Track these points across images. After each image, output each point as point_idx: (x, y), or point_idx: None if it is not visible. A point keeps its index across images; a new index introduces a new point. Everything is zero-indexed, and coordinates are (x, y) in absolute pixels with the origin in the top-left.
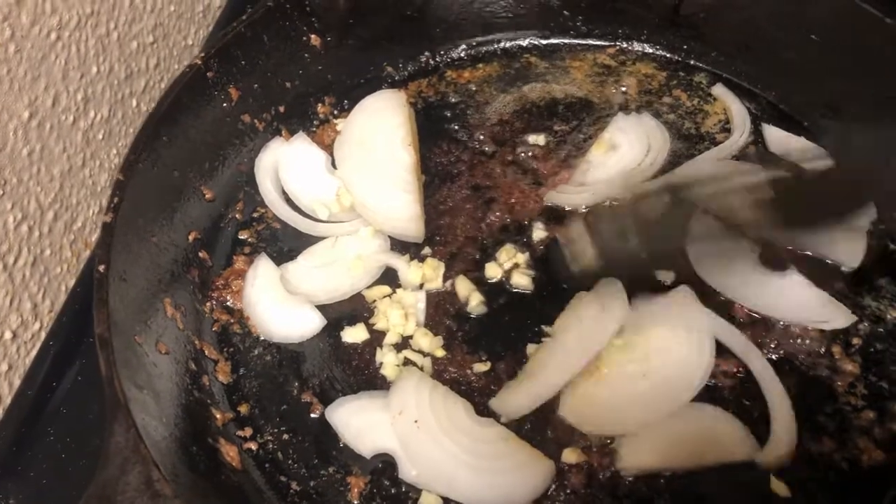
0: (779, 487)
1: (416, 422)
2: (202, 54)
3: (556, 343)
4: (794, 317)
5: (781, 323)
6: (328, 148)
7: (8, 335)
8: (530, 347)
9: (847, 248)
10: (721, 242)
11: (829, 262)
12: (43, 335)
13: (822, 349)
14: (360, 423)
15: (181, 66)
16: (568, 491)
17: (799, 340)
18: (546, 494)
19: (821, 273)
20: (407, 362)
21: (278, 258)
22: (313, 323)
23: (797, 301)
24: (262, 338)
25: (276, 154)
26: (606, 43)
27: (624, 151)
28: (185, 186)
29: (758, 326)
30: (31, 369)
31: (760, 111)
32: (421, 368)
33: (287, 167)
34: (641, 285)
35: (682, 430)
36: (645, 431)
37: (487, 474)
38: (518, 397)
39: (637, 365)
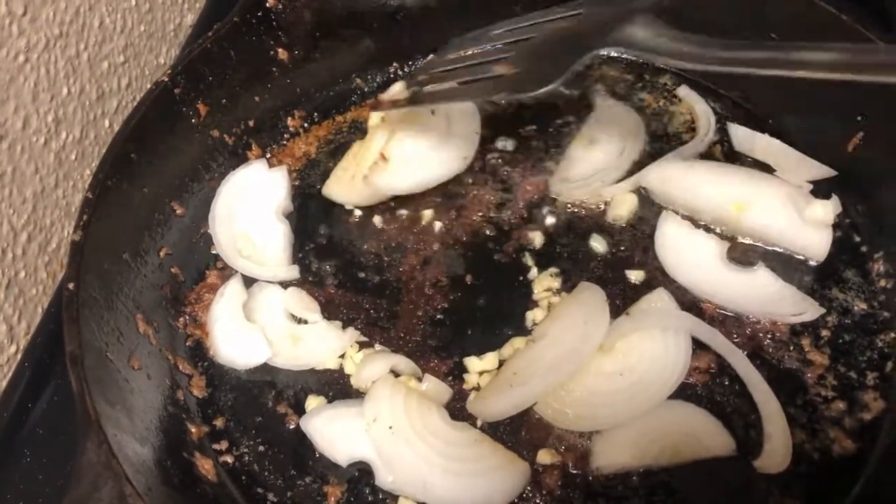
0: None
1: (390, 428)
2: (168, 71)
3: (539, 352)
4: (764, 312)
5: (751, 318)
6: (299, 161)
7: None
8: (506, 349)
9: (813, 243)
10: (689, 241)
11: (796, 256)
12: (19, 357)
13: (792, 342)
14: (335, 431)
15: None
16: (543, 492)
17: (768, 334)
18: (522, 496)
19: (788, 267)
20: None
21: (249, 279)
22: (260, 354)
23: (766, 296)
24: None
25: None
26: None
27: (602, 145)
28: (155, 203)
29: (728, 322)
30: (7, 391)
31: (725, 110)
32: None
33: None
34: (614, 286)
35: (656, 428)
36: (620, 429)
37: (463, 477)
38: (499, 402)
39: (614, 363)
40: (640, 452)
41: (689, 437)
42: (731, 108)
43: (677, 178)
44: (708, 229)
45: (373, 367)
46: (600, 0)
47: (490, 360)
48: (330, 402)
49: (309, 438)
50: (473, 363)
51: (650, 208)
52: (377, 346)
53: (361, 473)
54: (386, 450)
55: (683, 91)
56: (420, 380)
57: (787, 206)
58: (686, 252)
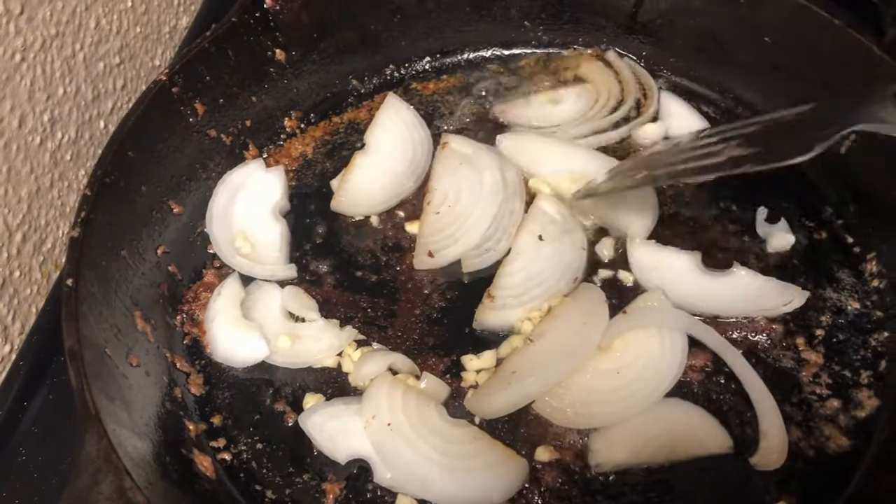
0: None
1: (388, 425)
2: (166, 70)
3: (537, 351)
4: (753, 310)
5: (744, 318)
6: (296, 161)
7: None
8: (504, 348)
9: (635, 221)
10: (662, 261)
11: (769, 251)
12: (13, 357)
13: (786, 341)
14: (333, 429)
15: None
16: (542, 489)
17: (763, 334)
18: (520, 493)
19: (762, 261)
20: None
21: (247, 278)
22: (257, 352)
23: (750, 294)
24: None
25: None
26: (567, 52)
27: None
28: (152, 201)
29: (722, 321)
30: (1, 390)
31: (719, 115)
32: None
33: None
34: (611, 286)
35: (653, 425)
36: (617, 427)
37: (461, 474)
38: (497, 400)
39: (612, 361)
40: (638, 450)
41: (685, 434)
42: (725, 112)
43: (528, 147)
44: (674, 245)
45: (371, 365)
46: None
47: (488, 358)
48: (328, 399)
49: (307, 436)
50: (471, 361)
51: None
52: (375, 345)
53: (360, 471)
54: (384, 447)
55: (612, 56)
56: (418, 378)
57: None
58: (663, 271)
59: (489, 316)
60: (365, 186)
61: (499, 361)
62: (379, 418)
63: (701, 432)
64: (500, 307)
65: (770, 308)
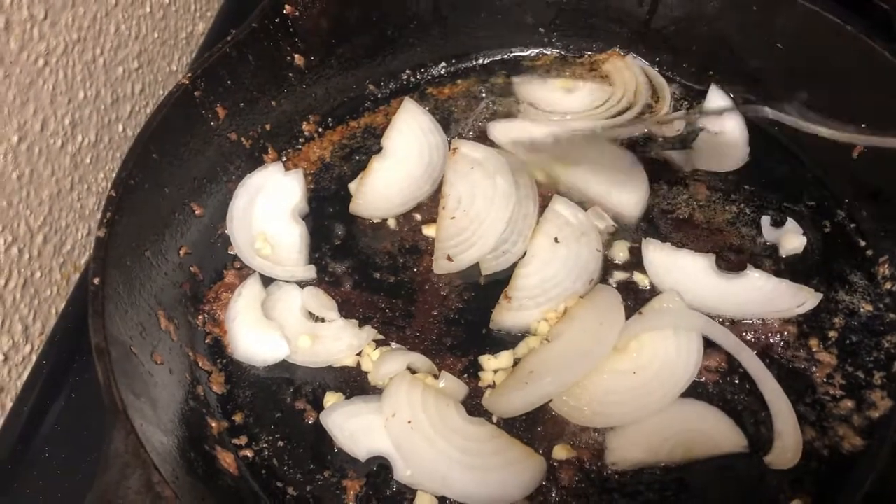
0: None
1: (409, 423)
2: (189, 74)
3: (554, 351)
4: (766, 311)
5: (758, 319)
6: (314, 164)
7: None
8: (521, 348)
9: (626, 202)
10: (676, 263)
11: (782, 254)
12: (34, 357)
13: (800, 343)
14: (354, 426)
15: (166, 91)
16: (559, 486)
17: (777, 335)
18: (538, 490)
19: (775, 263)
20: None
21: (267, 279)
22: (278, 351)
23: (764, 296)
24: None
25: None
26: (581, 57)
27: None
28: (175, 202)
29: (737, 322)
30: (24, 390)
31: None
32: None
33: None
34: (626, 287)
35: (669, 425)
36: (633, 426)
37: (480, 472)
38: (513, 400)
39: (628, 362)
40: (654, 449)
41: (700, 434)
42: None
43: (517, 132)
44: (689, 247)
45: (390, 365)
46: None
47: (505, 358)
48: (348, 398)
49: (328, 433)
50: (489, 361)
51: None
52: (393, 345)
53: (380, 468)
54: (405, 444)
55: (629, 60)
56: (436, 377)
57: (609, 168)
58: (678, 274)
59: (506, 317)
60: (382, 190)
61: (516, 362)
62: (399, 416)
63: (716, 432)
64: (517, 308)
65: (783, 310)
